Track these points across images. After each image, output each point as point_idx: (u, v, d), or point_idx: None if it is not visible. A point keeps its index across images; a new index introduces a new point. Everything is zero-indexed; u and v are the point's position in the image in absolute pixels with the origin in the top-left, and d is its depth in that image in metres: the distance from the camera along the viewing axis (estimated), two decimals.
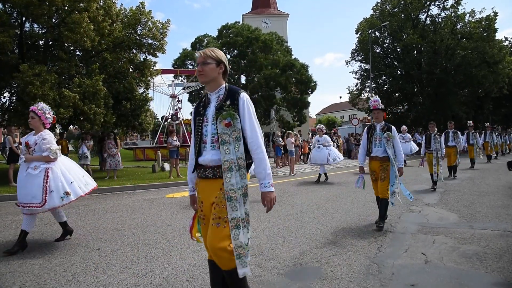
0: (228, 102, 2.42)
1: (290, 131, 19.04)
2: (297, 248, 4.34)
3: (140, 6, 13.77)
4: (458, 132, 11.19)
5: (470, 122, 14.77)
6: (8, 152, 11.70)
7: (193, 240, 2.75)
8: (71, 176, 4.70)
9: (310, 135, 31.79)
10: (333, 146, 11.95)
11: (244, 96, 2.47)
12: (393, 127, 5.42)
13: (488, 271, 3.52)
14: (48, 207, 4.34)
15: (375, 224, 5.25)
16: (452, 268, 3.60)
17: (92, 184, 5.14)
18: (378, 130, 5.45)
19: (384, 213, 5.27)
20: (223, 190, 2.36)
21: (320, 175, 11.21)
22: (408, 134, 16.84)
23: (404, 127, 16.93)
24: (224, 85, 2.53)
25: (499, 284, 3.24)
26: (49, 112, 4.73)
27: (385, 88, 35.52)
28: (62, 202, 4.45)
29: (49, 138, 4.59)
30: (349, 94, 37.29)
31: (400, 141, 16.07)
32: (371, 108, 5.54)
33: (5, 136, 13.18)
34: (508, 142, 22.57)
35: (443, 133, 11.04)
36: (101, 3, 12.86)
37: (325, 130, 12.04)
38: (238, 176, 2.35)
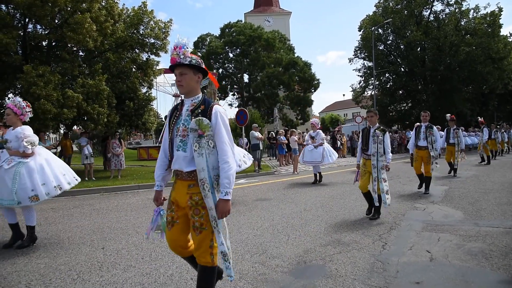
0: None
1: (294, 129, 19.01)
2: (301, 246, 4.33)
3: (142, 6, 13.82)
4: (434, 127, 8.15)
5: (448, 116, 11.55)
6: None
7: None
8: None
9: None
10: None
11: None
12: (219, 110, 2.54)
13: (493, 268, 3.49)
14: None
15: None
16: (457, 266, 3.58)
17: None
18: (184, 115, 2.60)
19: None
20: None
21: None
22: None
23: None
24: None
25: (505, 282, 3.22)
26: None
27: (388, 86, 35.40)
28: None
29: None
30: (352, 92, 37.19)
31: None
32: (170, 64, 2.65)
33: None
34: (507, 140, 20.07)
35: (414, 128, 8.45)
36: (103, 3, 12.90)
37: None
38: None
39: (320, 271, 3.56)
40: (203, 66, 2.63)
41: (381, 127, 5.82)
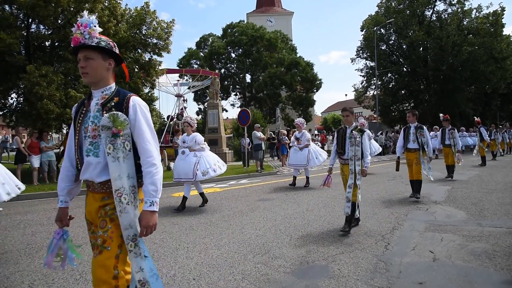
0: None
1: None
2: (304, 247, 4.32)
3: (144, 6, 13.83)
4: (424, 127, 7.31)
5: (442, 116, 10.71)
6: (16, 152, 11.83)
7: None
8: None
9: (316, 132, 31.70)
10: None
11: None
12: (139, 102, 2.12)
13: (497, 269, 3.48)
14: None
15: None
16: (460, 266, 3.57)
17: None
18: (92, 111, 2.11)
19: None
20: None
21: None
22: (368, 131, 12.77)
23: (362, 121, 12.57)
24: None
25: (508, 282, 3.20)
26: None
27: (391, 86, 35.34)
28: None
29: None
30: (354, 92, 37.15)
31: None
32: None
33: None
34: (508, 140, 19.30)
35: (402, 130, 7.70)
36: (106, 4, 12.92)
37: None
38: None
39: (323, 271, 3.55)
40: (116, 50, 2.13)
41: (359, 127, 5.16)
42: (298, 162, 9.67)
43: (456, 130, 10.54)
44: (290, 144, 10.47)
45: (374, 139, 24.62)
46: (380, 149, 14.30)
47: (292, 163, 9.88)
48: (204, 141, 7.28)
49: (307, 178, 9.80)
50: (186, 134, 7.24)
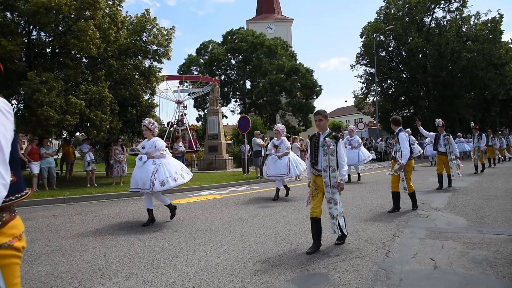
0: None
1: (296, 136, 19.00)
2: (304, 254, 4.30)
3: (145, 13, 13.92)
4: (401, 133, 6.73)
5: (439, 121, 9.92)
6: None
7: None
8: None
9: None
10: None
11: None
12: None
13: (498, 276, 3.45)
14: None
15: None
16: (461, 274, 3.54)
17: None
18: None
19: None
20: None
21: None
22: (357, 137, 12.56)
23: (351, 127, 12.38)
24: None
25: None
26: None
27: (390, 92, 35.48)
28: None
29: None
30: (354, 98, 37.28)
31: (346, 147, 10.27)
32: None
33: None
34: (505, 146, 18.61)
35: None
36: (106, 11, 13.00)
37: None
38: None
39: (323, 279, 3.52)
40: None
41: (333, 134, 4.51)
42: (277, 172, 8.90)
43: (451, 136, 9.84)
44: (267, 152, 9.64)
45: (374, 145, 24.72)
46: (371, 157, 13.88)
47: (272, 174, 9.01)
48: (166, 147, 6.62)
49: (286, 186, 9.15)
50: (146, 139, 6.51)
